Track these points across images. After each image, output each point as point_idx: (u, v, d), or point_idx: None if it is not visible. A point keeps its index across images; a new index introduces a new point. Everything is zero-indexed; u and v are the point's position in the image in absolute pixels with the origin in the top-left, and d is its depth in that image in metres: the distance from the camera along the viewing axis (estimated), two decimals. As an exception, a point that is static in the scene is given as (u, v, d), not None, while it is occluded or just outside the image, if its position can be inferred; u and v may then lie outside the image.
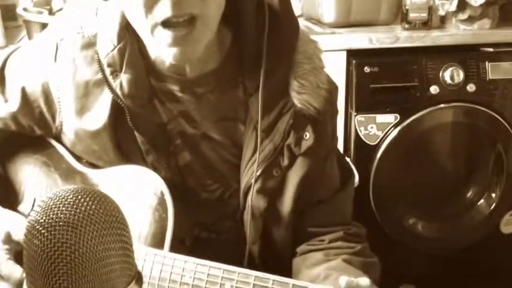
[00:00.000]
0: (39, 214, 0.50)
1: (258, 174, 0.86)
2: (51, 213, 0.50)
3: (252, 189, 0.87)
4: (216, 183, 0.91)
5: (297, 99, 0.84)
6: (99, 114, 0.86)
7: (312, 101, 0.85)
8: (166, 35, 0.74)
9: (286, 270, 0.92)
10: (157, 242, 0.82)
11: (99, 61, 0.84)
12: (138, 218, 0.83)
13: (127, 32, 0.83)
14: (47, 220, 0.50)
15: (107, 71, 0.84)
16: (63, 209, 0.50)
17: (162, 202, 0.83)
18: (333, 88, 0.91)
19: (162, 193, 0.83)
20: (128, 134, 0.86)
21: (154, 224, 0.82)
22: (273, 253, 0.92)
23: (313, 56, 0.87)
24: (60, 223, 0.49)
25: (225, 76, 0.87)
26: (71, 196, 0.51)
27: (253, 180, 0.86)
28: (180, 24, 0.74)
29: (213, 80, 0.87)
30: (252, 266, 0.90)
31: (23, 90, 0.90)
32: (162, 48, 0.77)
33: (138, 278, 0.56)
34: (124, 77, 0.83)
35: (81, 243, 0.49)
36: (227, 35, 0.87)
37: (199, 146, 0.89)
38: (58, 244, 0.49)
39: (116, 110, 0.85)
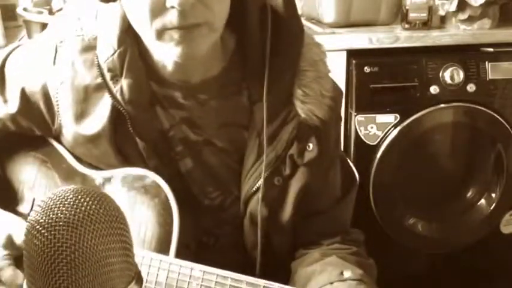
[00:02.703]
0: (39, 214, 0.50)
1: (259, 183, 0.85)
2: (51, 213, 0.50)
3: (253, 198, 0.86)
4: (216, 190, 0.91)
5: (301, 108, 0.84)
6: (98, 119, 0.84)
7: (316, 111, 0.84)
8: (173, 33, 0.73)
9: (285, 275, 0.92)
10: (162, 247, 0.81)
11: (99, 65, 0.83)
12: (142, 222, 0.82)
13: (127, 36, 0.82)
14: (47, 220, 0.49)
15: (107, 75, 0.82)
16: (63, 209, 0.50)
17: (166, 207, 0.82)
18: (337, 95, 0.90)
19: (166, 197, 0.82)
20: (129, 139, 0.85)
21: (158, 229, 0.81)
22: (272, 258, 0.91)
23: (318, 62, 0.86)
24: (60, 223, 0.49)
25: (228, 82, 0.86)
26: (71, 196, 0.51)
27: (254, 189, 0.86)
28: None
29: (216, 86, 0.86)
30: (251, 271, 0.89)
31: (23, 92, 0.89)
32: (167, 48, 0.76)
33: (138, 278, 0.56)
34: (124, 82, 0.82)
35: (81, 243, 0.49)
36: (230, 39, 0.86)
37: (202, 153, 0.89)
38: (58, 244, 0.49)
39: (116, 115, 0.84)
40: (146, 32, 0.76)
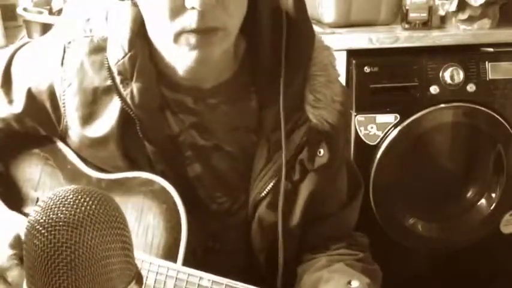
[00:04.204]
0: (39, 214, 0.50)
1: (268, 188, 0.85)
2: (51, 213, 0.50)
3: (262, 202, 0.86)
4: (225, 195, 0.90)
5: (312, 114, 0.83)
6: (106, 121, 0.84)
7: (327, 117, 0.84)
8: (190, 37, 0.73)
9: (290, 279, 0.92)
10: (169, 253, 0.79)
11: (109, 68, 0.82)
12: (149, 227, 0.81)
13: (139, 39, 0.81)
14: (47, 220, 0.50)
15: (117, 78, 0.81)
16: (63, 209, 0.50)
17: (174, 213, 0.80)
18: (346, 99, 0.89)
19: (174, 204, 0.81)
20: (137, 143, 0.84)
21: (166, 235, 0.80)
22: (278, 262, 0.90)
23: (328, 66, 0.86)
24: (60, 223, 0.49)
25: (238, 86, 0.86)
26: (71, 196, 0.51)
27: (264, 193, 0.85)
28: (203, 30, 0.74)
29: (226, 90, 0.85)
30: (256, 275, 0.89)
31: (29, 92, 0.88)
32: (182, 52, 0.76)
33: (138, 278, 0.56)
34: (135, 86, 0.81)
35: (81, 243, 0.49)
36: (241, 43, 0.86)
37: (211, 158, 0.88)
38: (58, 244, 0.49)
39: (125, 118, 0.83)
40: (163, 33, 0.76)
